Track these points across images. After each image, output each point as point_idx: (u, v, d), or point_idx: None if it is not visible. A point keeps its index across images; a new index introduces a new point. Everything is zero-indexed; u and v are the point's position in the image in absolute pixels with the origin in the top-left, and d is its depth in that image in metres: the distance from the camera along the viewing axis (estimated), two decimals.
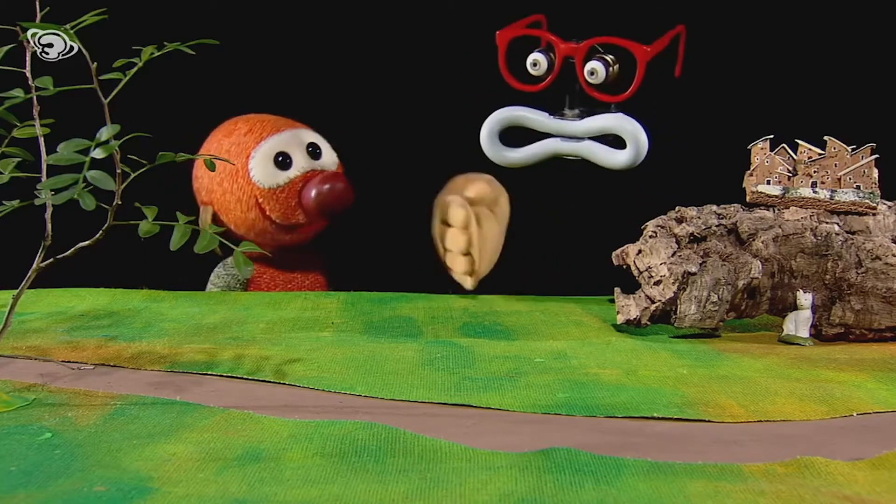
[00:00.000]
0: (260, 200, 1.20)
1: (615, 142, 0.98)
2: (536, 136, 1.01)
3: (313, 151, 1.22)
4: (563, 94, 0.97)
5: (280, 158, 1.20)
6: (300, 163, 1.21)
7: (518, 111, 0.99)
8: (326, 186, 1.19)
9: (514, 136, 1.03)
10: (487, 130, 1.02)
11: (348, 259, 1.33)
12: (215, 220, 1.22)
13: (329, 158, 1.23)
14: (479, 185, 1.11)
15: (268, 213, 1.20)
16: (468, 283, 1.09)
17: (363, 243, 1.35)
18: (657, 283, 0.92)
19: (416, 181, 1.32)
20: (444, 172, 1.15)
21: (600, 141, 0.97)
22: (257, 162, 1.19)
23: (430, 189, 1.24)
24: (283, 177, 1.19)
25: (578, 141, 0.96)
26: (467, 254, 1.07)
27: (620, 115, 0.94)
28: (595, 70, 0.92)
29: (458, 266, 1.08)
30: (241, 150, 1.20)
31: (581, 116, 0.96)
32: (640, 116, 1.03)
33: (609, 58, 0.94)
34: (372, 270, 1.32)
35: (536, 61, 0.96)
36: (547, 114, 0.98)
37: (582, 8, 1.27)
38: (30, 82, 0.73)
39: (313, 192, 1.19)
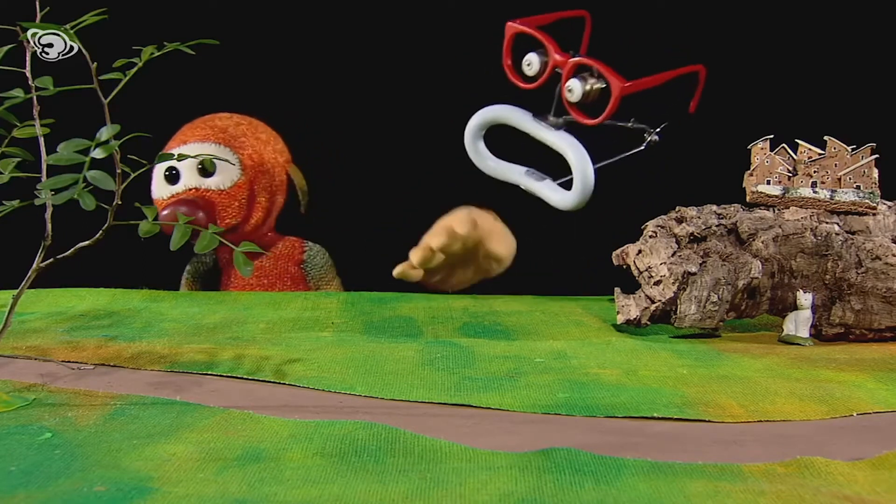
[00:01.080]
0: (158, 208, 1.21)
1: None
2: (514, 156, 1.01)
3: (204, 170, 1.20)
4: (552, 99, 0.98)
5: (168, 172, 1.20)
6: (186, 179, 1.20)
7: (502, 109, 0.99)
8: (165, 213, 1.17)
9: (499, 146, 1.02)
10: (472, 126, 1.01)
11: (348, 259, 1.33)
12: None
13: (223, 178, 1.22)
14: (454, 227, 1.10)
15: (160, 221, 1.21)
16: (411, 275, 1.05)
17: (363, 244, 1.35)
18: (657, 283, 0.92)
19: (416, 181, 1.32)
20: (444, 173, 1.16)
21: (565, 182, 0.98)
22: (158, 170, 1.21)
23: (430, 189, 1.24)
24: (168, 191, 1.21)
25: (540, 180, 0.96)
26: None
27: (580, 150, 0.93)
28: (572, 88, 0.93)
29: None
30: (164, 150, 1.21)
31: (561, 126, 0.95)
32: (640, 117, 1.03)
33: (592, 80, 0.94)
34: (372, 271, 1.32)
35: (530, 62, 0.96)
36: (531, 115, 0.97)
37: (628, 13, 1.27)
38: (30, 82, 0.73)
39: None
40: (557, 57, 0.94)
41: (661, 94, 0.96)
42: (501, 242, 1.10)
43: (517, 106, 0.98)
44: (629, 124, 0.96)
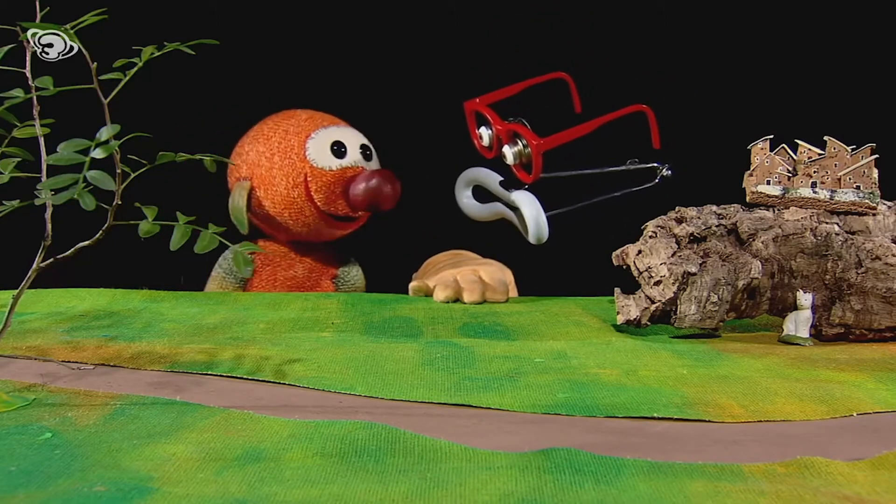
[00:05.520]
0: (309, 178, 1.22)
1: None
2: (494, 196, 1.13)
3: (364, 153, 1.25)
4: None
5: (336, 147, 1.23)
6: (354, 157, 1.24)
7: (479, 172, 1.12)
8: (374, 182, 1.21)
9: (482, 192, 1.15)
10: (458, 185, 1.14)
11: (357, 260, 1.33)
12: (250, 198, 1.23)
13: (376, 164, 1.27)
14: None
15: (312, 192, 1.22)
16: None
17: (363, 245, 1.35)
18: (657, 283, 0.92)
19: (418, 184, 1.32)
20: (448, 173, 1.16)
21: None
22: (315, 143, 1.22)
23: (431, 191, 1.24)
24: (336, 163, 1.23)
25: (514, 211, 1.07)
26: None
27: (531, 199, 1.04)
28: (505, 154, 1.05)
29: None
30: (299, 130, 1.23)
31: (520, 187, 1.07)
32: (640, 117, 1.04)
33: (522, 143, 1.04)
34: (372, 272, 1.32)
35: (482, 135, 1.08)
36: (500, 179, 1.09)
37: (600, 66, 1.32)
38: (30, 82, 0.73)
39: (363, 186, 1.21)
40: (498, 127, 1.05)
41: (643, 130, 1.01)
42: (504, 294, 1.13)
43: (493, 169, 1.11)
44: (627, 166, 1.03)
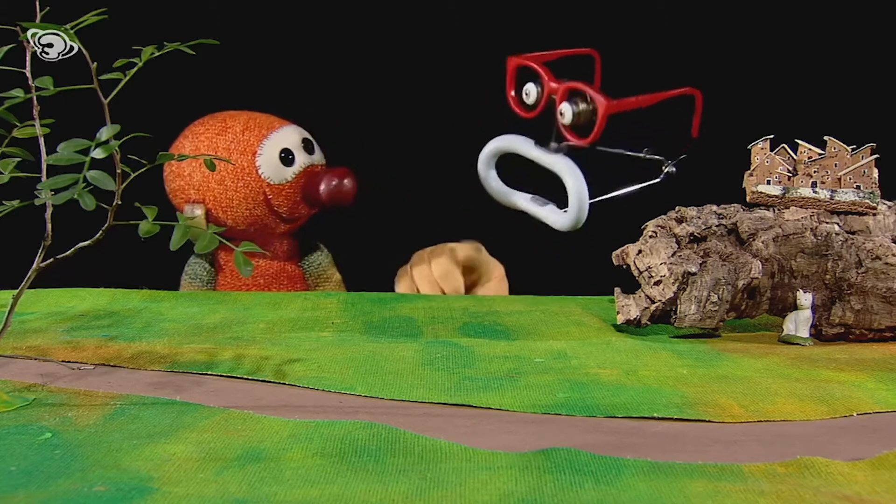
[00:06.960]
0: (269, 196, 1.22)
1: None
2: (519, 184, 1.06)
3: (307, 147, 1.25)
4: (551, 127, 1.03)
5: (283, 154, 1.22)
6: (300, 158, 1.24)
7: (508, 139, 1.05)
8: (335, 182, 1.22)
9: (508, 174, 1.08)
10: (484, 155, 1.07)
11: (348, 259, 1.33)
12: (207, 218, 1.22)
13: (319, 154, 1.27)
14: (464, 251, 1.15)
15: (275, 207, 1.22)
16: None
17: (363, 244, 1.35)
18: (657, 283, 0.92)
19: (417, 183, 1.32)
20: (445, 172, 1.16)
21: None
22: (265, 159, 1.21)
23: (431, 190, 1.24)
24: (289, 172, 1.22)
25: (543, 205, 1.01)
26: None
27: (578, 175, 0.96)
28: (563, 112, 0.97)
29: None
30: (244, 147, 1.21)
31: (562, 150, 0.99)
32: (645, 141, 1.04)
33: (582, 103, 0.99)
34: (372, 271, 1.32)
35: (528, 92, 1.01)
36: (533, 142, 1.02)
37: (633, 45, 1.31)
38: (30, 82, 0.73)
39: (324, 187, 1.22)
40: (552, 85, 0.98)
41: (667, 117, 0.99)
42: (491, 287, 1.13)
43: (523, 135, 1.02)
44: (643, 154, 1.00)
